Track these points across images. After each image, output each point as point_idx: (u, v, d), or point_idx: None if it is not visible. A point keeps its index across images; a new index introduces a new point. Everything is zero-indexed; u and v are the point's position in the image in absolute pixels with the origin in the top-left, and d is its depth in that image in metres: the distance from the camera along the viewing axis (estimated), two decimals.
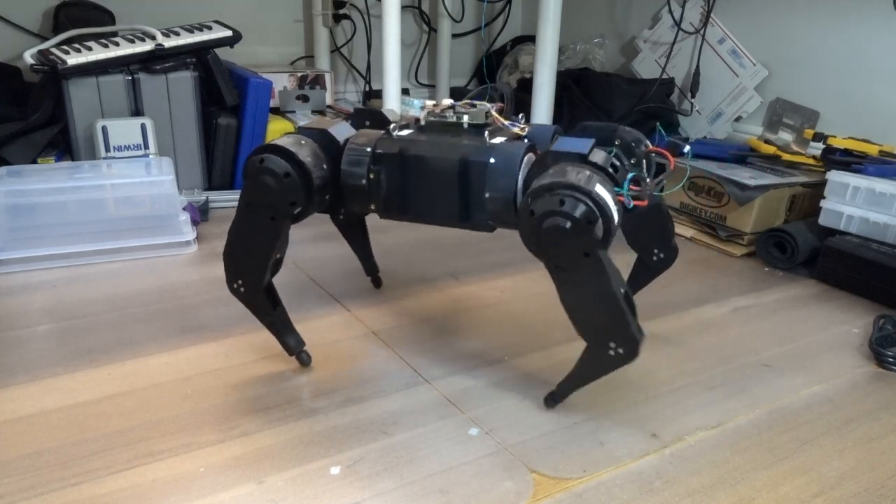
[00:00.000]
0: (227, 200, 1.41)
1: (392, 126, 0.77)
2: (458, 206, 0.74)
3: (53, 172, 1.17)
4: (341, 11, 1.80)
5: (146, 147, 1.32)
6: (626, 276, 0.95)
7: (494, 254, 1.20)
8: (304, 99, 1.65)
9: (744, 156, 1.34)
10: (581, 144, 0.70)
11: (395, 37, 1.44)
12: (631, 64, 1.80)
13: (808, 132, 1.31)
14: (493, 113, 0.76)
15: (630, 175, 0.69)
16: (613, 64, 1.90)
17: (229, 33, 1.44)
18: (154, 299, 0.99)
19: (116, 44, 1.33)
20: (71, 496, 0.61)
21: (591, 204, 0.63)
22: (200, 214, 1.29)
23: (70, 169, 1.20)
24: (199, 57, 1.40)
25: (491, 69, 2.03)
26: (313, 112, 1.65)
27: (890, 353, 0.87)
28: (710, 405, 0.77)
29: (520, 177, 0.71)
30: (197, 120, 1.41)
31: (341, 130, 0.78)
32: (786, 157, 1.32)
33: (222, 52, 1.46)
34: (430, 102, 0.79)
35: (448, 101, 0.79)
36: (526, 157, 0.72)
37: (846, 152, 1.21)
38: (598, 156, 0.70)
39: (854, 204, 1.10)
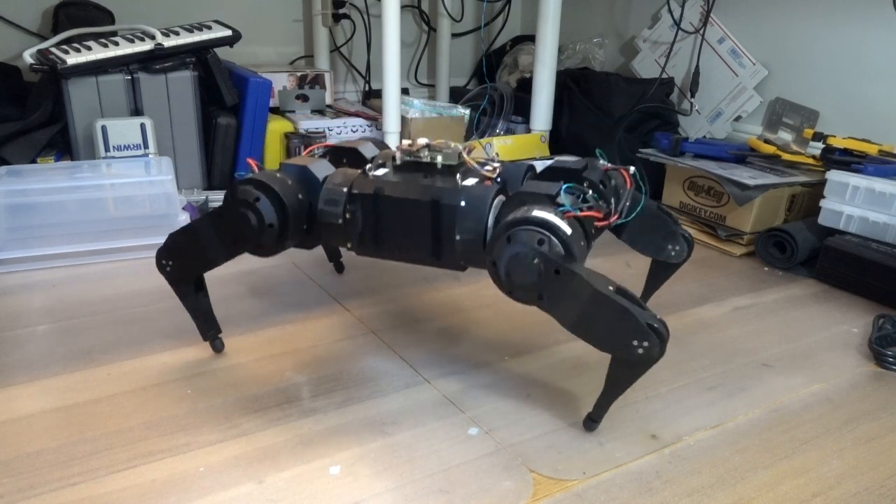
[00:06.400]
0: None
1: (368, 166, 0.79)
2: (430, 246, 0.76)
3: (53, 172, 1.17)
4: (341, 11, 1.80)
5: (146, 147, 1.32)
6: (641, 278, 0.95)
7: None
8: (304, 98, 1.65)
9: (743, 155, 1.34)
10: (548, 186, 0.71)
11: (395, 36, 1.44)
12: (631, 64, 1.80)
13: (808, 132, 1.31)
14: (465, 155, 0.78)
15: (564, 186, 0.71)
16: (613, 64, 1.90)
17: (229, 33, 1.44)
18: (153, 299, 0.99)
19: (116, 43, 1.33)
20: (70, 496, 0.61)
21: (533, 227, 0.65)
22: (200, 214, 1.30)
23: (69, 169, 1.20)
24: (199, 56, 1.40)
25: (490, 69, 2.03)
26: (313, 112, 1.65)
27: (889, 353, 0.87)
28: (710, 405, 0.77)
29: (490, 218, 0.72)
30: (196, 119, 1.41)
31: (321, 168, 0.80)
32: (785, 156, 1.32)
33: (222, 52, 1.46)
34: (405, 142, 0.80)
35: (423, 141, 0.80)
36: (496, 200, 0.73)
37: (846, 152, 1.21)
38: (567, 198, 0.71)
39: (853, 203, 1.10)
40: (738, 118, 1.58)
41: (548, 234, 0.65)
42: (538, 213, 0.66)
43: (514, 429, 0.72)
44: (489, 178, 0.77)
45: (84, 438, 0.68)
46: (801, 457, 0.69)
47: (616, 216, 0.79)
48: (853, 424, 0.75)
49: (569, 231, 0.66)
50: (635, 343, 0.63)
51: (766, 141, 1.42)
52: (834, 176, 1.13)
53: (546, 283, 0.65)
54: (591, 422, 0.71)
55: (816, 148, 1.28)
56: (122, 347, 0.86)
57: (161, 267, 0.80)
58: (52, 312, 0.95)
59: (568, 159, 0.84)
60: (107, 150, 1.29)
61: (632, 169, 0.84)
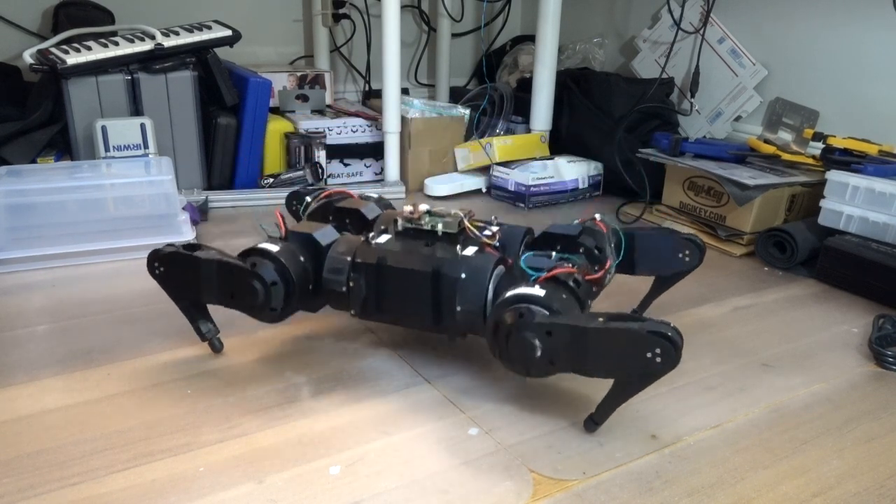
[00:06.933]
0: (226, 200, 1.41)
1: (371, 234, 0.82)
2: (431, 315, 0.78)
3: (53, 172, 1.17)
4: (341, 11, 1.80)
5: (146, 147, 1.32)
6: (642, 279, 0.95)
7: None
8: (304, 98, 1.65)
9: (743, 155, 1.34)
10: (546, 261, 0.74)
11: (395, 36, 1.44)
12: (631, 64, 1.80)
13: (808, 132, 1.31)
14: (466, 223, 0.80)
15: (524, 257, 0.75)
16: (613, 64, 1.90)
17: (229, 33, 1.44)
18: (153, 299, 0.99)
19: (116, 43, 1.33)
20: (70, 496, 0.61)
21: (511, 307, 0.68)
22: (200, 214, 1.29)
23: (69, 169, 1.20)
24: (199, 56, 1.40)
25: (490, 69, 2.03)
26: (313, 112, 1.65)
27: (889, 353, 0.87)
28: (710, 405, 0.77)
29: (490, 288, 0.74)
30: (196, 120, 1.41)
31: (326, 235, 0.83)
32: (785, 156, 1.32)
33: (222, 52, 1.46)
34: (407, 209, 0.83)
35: (424, 207, 0.83)
36: (496, 270, 0.75)
37: (845, 152, 1.21)
38: (536, 261, 0.74)
39: (853, 203, 1.10)
40: (738, 118, 1.58)
41: (524, 305, 0.68)
42: (510, 292, 0.70)
43: (514, 429, 0.72)
44: (489, 245, 0.79)
45: (84, 438, 0.68)
46: (801, 457, 0.69)
47: (609, 261, 0.82)
48: (853, 424, 0.75)
49: (542, 293, 0.68)
50: (650, 355, 0.63)
51: (766, 141, 1.42)
52: (834, 176, 1.13)
53: (547, 347, 0.67)
54: (593, 423, 0.71)
55: (816, 148, 1.28)
56: (122, 347, 0.86)
57: (151, 268, 0.80)
58: (52, 312, 0.95)
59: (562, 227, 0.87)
60: (107, 150, 1.29)
61: (598, 216, 0.87)
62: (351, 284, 0.79)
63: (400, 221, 0.83)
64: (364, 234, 0.84)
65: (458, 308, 0.75)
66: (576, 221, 0.87)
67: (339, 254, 0.80)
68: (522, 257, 0.74)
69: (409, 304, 0.78)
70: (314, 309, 0.85)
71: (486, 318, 0.74)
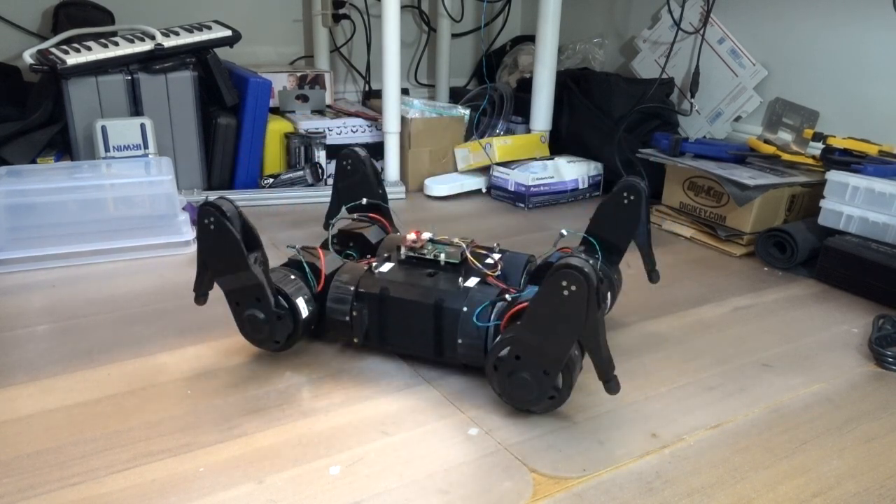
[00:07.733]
0: None
1: (374, 263, 0.83)
2: (432, 345, 0.79)
3: (53, 172, 1.17)
4: (341, 11, 1.80)
5: (145, 147, 1.32)
6: (642, 276, 0.94)
7: None
8: (304, 99, 1.65)
9: (743, 155, 1.34)
10: (499, 308, 0.76)
11: (395, 37, 1.44)
12: (631, 64, 1.80)
13: (808, 132, 1.31)
14: (468, 254, 0.82)
15: (480, 308, 0.76)
16: (613, 64, 1.90)
17: (229, 33, 1.44)
18: (154, 299, 0.99)
19: (116, 44, 1.33)
20: (70, 496, 0.61)
21: (491, 362, 0.71)
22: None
23: (69, 169, 1.20)
24: (199, 57, 1.40)
25: (490, 69, 2.03)
26: (313, 112, 1.65)
27: (889, 353, 0.87)
28: (710, 405, 0.77)
29: (491, 322, 0.75)
30: (196, 120, 1.41)
31: (329, 263, 0.84)
32: (785, 156, 1.32)
33: (222, 52, 1.46)
34: (410, 237, 0.84)
35: (427, 235, 0.84)
36: (498, 305, 0.76)
37: (845, 152, 1.21)
38: (499, 309, 0.75)
39: (853, 204, 1.10)
40: (738, 118, 1.58)
41: (496, 352, 0.71)
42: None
43: (514, 429, 0.72)
44: (490, 276, 0.81)
45: (84, 438, 0.68)
46: (801, 457, 0.69)
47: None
48: (853, 424, 0.75)
49: (499, 337, 0.72)
50: (565, 293, 0.64)
51: (766, 141, 1.42)
52: (834, 176, 1.13)
53: (527, 365, 0.69)
54: (615, 386, 0.69)
55: (816, 148, 1.28)
56: (122, 347, 0.86)
57: (204, 216, 0.74)
58: (52, 312, 0.95)
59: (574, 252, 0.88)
60: (107, 150, 1.29)
61: (564, 231, 0.88)
62: (354, 314, 0.80)
63: (403, 249, 0.83)
64: (366, 261, 0.85)
65: (459, 341, 0.77)
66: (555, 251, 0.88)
67: (343, 283, 0.81)
68: (472, 318, 0.76)
69: (412, 334, 0.79)
70: (320, 335, 0.86)
71: (486, 351, 0.75)
